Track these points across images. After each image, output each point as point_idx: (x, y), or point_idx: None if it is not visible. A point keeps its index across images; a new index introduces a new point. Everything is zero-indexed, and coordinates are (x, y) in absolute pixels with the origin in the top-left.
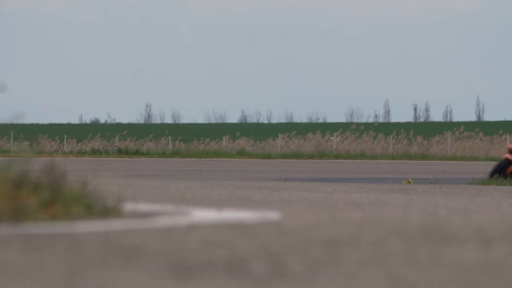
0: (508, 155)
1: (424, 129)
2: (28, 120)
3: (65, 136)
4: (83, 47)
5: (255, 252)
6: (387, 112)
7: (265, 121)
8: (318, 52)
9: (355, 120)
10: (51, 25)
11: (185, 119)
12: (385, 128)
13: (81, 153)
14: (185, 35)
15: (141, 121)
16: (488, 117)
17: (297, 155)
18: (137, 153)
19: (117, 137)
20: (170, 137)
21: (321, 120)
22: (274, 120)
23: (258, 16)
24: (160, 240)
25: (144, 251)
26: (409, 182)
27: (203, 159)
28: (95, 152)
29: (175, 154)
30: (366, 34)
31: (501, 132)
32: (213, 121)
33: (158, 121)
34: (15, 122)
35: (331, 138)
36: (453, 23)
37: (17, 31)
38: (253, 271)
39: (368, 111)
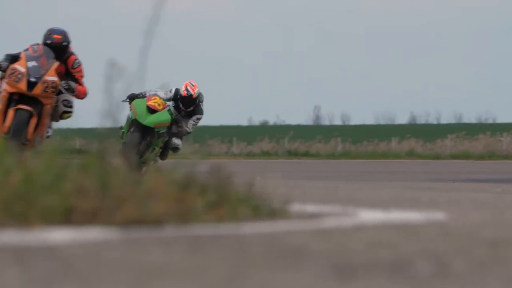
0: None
1: None
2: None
3: (235, 139)
4: (255, 49)
5: (419, 252)
6: None
7: (434, 122)
8: (491, 50)
9: None
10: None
11: (354, 120)
12: None
13: (250, 154)
14: (352, 37)
15: (310, 122)
16: None
17: (466, 156)
18: (306, 154)
19: (286, 138)
20: (339, 138)
21: (490, 121)
22: (443, 121)
23: (435, 14)
24: (324, 240)
25: (308, 252)
26: None
27: (372, 160)
28: (264, 154)
29: (344, 155)
30: None
31: None
32: (382, 122)
33: (327, 123)
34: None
35: (501, 138)
36: None
37: (172, 34)
38: (416, 272)
39: None
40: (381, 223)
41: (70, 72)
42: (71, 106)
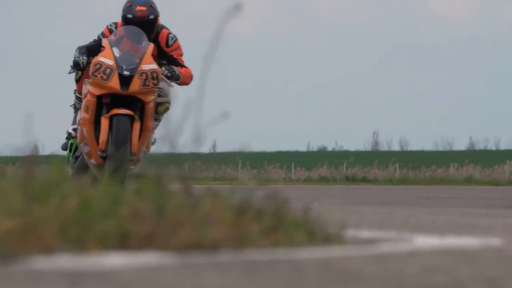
0: None
1: None
2: (255, 148)
3: (293, 164)
4: (312, 74)
5: (474, 277)
6: None
7: (493, 148)
8: None
9: None
10: (277, 49)
11: (412, 146)
12: None
13: (308, 180)
14: (414, 54)
15: (368, 148)
16: None
17: None
18: (363, 180)
19: (344, 164)
20: (397, 164)
21: None
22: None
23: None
24: (379, 265)
25: (363, 276)
26: None
27: (430, 186)
28: (322, 180)
29: (402, 181)
30: None
31: None
32: (440, 148)
33: (386, 148)
34: (242, 150)
35: None
36: None
37: (244, 56)
38: None
39: None
40: (437, 248)
41: (165, 52)
42: (166, 95)
